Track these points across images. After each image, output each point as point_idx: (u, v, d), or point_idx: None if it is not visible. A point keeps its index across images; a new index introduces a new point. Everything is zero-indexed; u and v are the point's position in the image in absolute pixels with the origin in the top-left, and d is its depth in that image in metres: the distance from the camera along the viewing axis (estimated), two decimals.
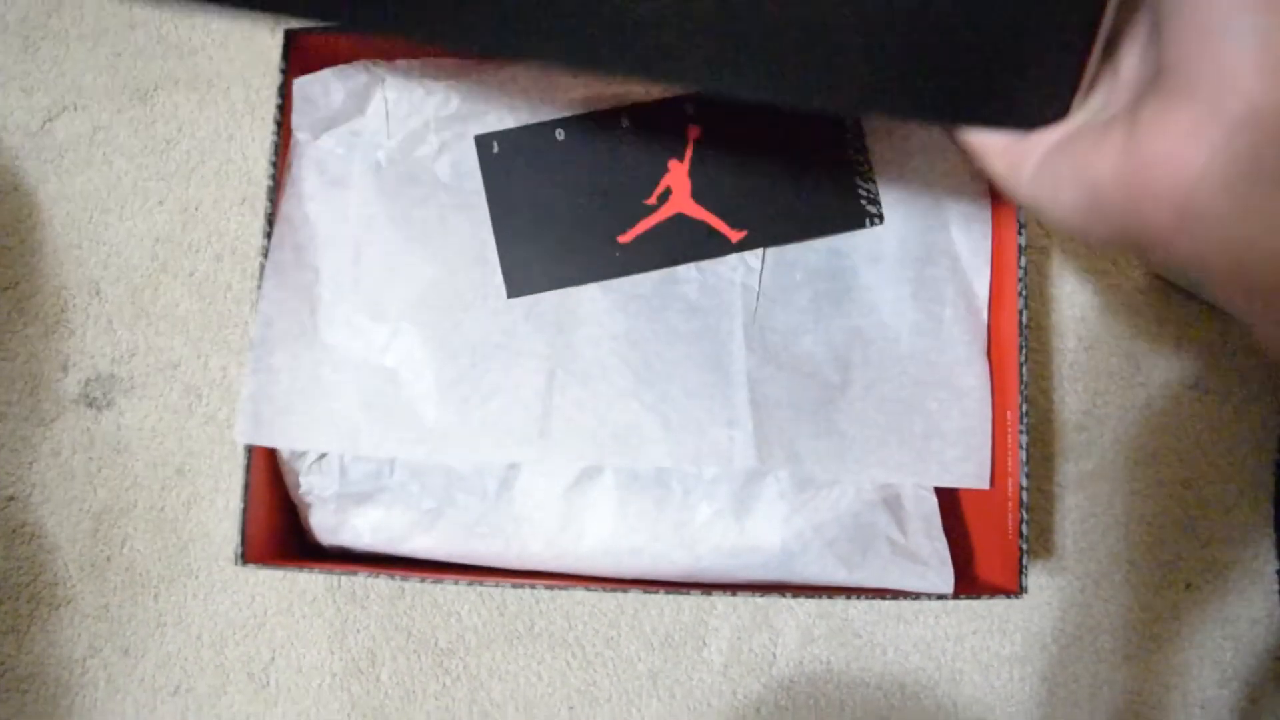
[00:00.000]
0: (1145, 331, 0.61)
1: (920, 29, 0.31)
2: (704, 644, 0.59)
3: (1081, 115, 0.32)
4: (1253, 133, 0.26)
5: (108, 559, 0.60)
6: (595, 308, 0.50)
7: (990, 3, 0.30)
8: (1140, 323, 0.61)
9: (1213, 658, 0.59)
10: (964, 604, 0.59)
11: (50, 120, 0.63)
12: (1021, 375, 0.49)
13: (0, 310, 0.61)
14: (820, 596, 0.49)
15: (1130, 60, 0.31)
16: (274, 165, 0.51)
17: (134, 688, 0.59)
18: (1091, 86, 0.33)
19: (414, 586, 0.59)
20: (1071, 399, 0.60)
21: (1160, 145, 0.28)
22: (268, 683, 0.59)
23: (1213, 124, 0.26)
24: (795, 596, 0.49)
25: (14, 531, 0.60)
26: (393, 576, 0.49)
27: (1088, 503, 0.60)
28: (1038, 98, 0.32)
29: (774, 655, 0.59)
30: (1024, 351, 0.49)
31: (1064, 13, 0.31)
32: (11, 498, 0.60)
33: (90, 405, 0.61)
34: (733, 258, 0.51)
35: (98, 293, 0.62)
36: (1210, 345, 0.61)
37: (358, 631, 0.59)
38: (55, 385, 0.61)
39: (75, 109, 0.63)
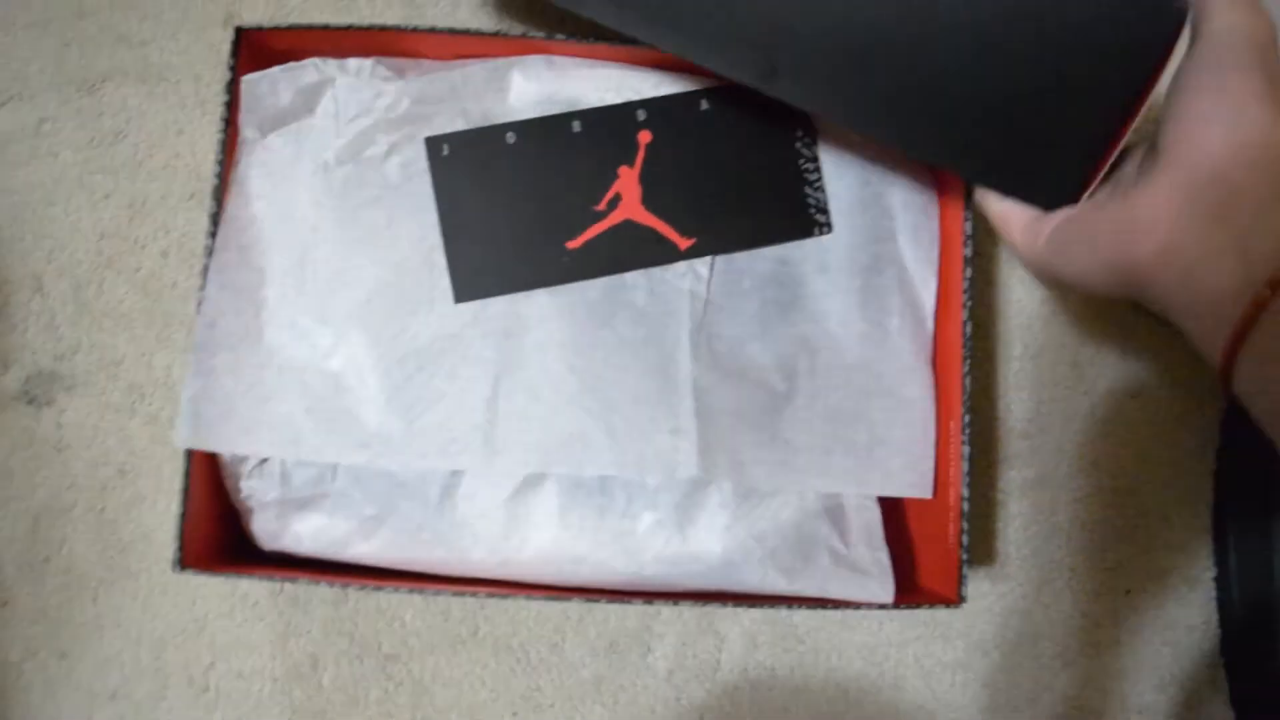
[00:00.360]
0: (1090, 340, 0.62)
1: (990, 116, 0.42)
2: (649, 650, 0.59)
3: (1086, 201, 0.41)
4: (1217, 190, 0.34)
5: (46, 560, 0.59)
6: (543, 314, 0.50)
7: (1039, 114, 0.42)
8: (1085, 331, 0.62)
9: (1151, 663, 0.60)
10: (907, 611, 0.59)
11: None
12: (965, 386, 0.50)
13: None
14: (761, 606, 0.49)
15: (1129, 168, 0.41)
16: (220, 164, 0.51)
17: (71, 692, 0.59)
18: (1100, 183, 0.42)
19: (357, 591, 0.59)
20: (1016, 406, 0.61)
21: (1147, 202, 0.36)
22: (208, 687, 0.59)
23: (1184, 185, 0.35)
24: (736, 606, 0.49)
25: None
26: (333, 583, 0.48)
27: (1030, 509, 0.60)
28: (1059, 186, 0.43)
29: (718, 662, 0.59)
30: (968, 363, 0.50)
31: (1090, 134, 0.41)
32: None
33: (30, 403, 0.60)
34: (681, 265, 0.52)
35: (40, 288, 0.61)
36: (1153, 355, 0.62)
37: (300, 636, 0.59)
38: None
39: (20, 99, 0.62)
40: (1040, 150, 0.43)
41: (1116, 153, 0.42)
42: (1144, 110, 0.41)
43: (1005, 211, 0.44)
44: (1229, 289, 0.34)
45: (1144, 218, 0.36)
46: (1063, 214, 0.41)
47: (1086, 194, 0.42)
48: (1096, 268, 0.38)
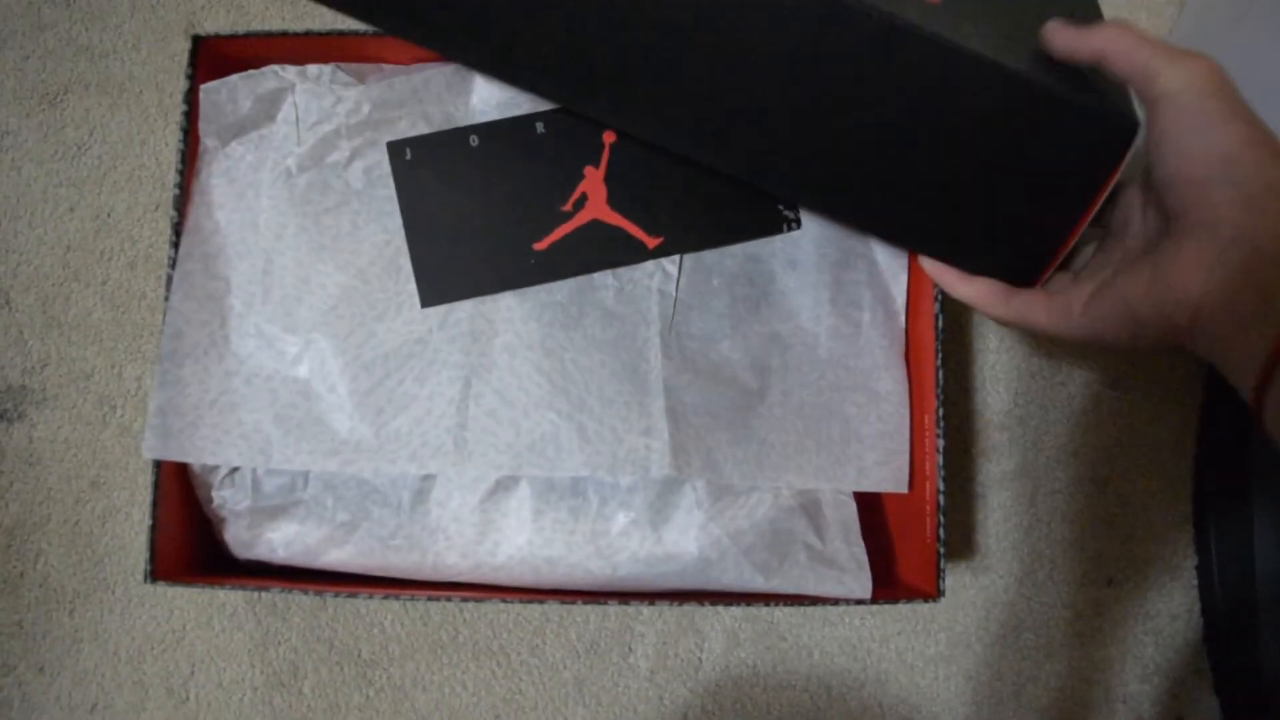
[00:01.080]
0: None
1: (959, 210, 0.44)
2: (629, 650, 0.59)
3: (1101, 272, 0.43)
4: (1239, 251, 0.35)
5: (21, 574, 0.59)
6: (511, 316, 0.50)
7: (1004, 208, 0.44)
8: None
9: (1134, 653, 0.60)
10: (889, 605, 0.59)
11: None
12: (938, 379, 0.49)
13: None
14: (738, 604, 0.49)
15: (1133, 228, 0.43)
16: (180, 174, 0.50)
17: (50, 705, 0.58)
18: (1092, 254, 0.45)
19: (335, 598, 0.58)
20: (993, 399, 0.61)
21: (1176, 271, 0.37)
22: (188, 698, 0.58)
23: (1213, 246, 0.36)
24: (714, 604, 0.49)
25: None
26: (307, 591, 0.48)
27: (1010, 502, 0.60)
28: (1022, 269, 0.45)
29: (700, 660, 0.59)
30: (939, 356, 0.49)
31: (1052, 226, 0.43)
32: None
33: (1, 418, 0.59)
34: (650, 264, 0.51)
35: (7, 302, 0.60)
36: None
37: (279, 644, 0.58)
38: None
39: None
40: (1005, 239, 0.45)
41: (1075, 239, 0.44)
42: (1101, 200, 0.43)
43: (975, 291, 0.46)
44: (1256, 343, 0.35)
45: (1177, 289, 0.37)
46: (1087, 291, 0.42)
47: (1046, 275, 0.45)
48: (1136, 332, 0.40)
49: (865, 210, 0.45)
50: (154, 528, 0.48)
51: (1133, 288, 0.39)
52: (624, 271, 0.51)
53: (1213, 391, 0.61)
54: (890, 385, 0.52)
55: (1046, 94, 0.40)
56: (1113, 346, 0.42)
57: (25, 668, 0.58)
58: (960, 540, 0.60)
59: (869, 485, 0.51)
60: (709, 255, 0.52)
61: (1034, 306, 0.43)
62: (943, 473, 0.49)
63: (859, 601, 0.49)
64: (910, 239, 0.47)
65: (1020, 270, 0.45)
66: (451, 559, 0.49)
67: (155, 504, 0.48)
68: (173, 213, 0.50)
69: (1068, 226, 0.43)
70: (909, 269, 0.53)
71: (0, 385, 0.60)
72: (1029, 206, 0.43)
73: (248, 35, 0.51)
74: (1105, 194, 0.42)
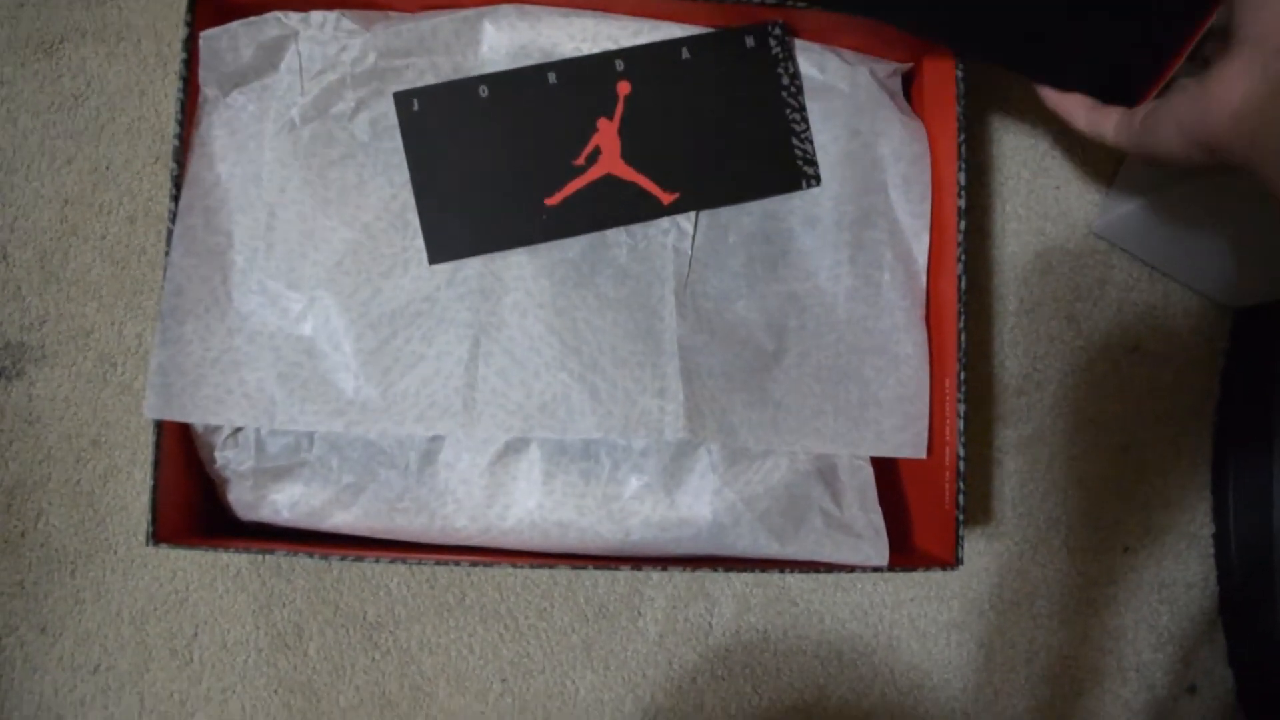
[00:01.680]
0: (1086, 295, 0.60)
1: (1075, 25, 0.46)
2: (639, 614, 0.58)
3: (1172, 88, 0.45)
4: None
5: (22, 534, 0.58)
6: (522, 273, 0.48)
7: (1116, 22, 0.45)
8: (1082, 286, 0.60)
9: (1148, 621, 0.59)
10: (902, 572, 0.58)
11: None
12: (960, 343, 0.48)
13: None
14: (753, 570, 0.48)
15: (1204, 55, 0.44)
16: (180, 124, 0.48)
17: (52, 666, 0.58)
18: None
19: (342, 560, 0.57)
20: (1011, 363, 0.60)
21: (1222, 77, 0.40)
22: (191, 659, 0.58)
23: (1259, 57, 0.39)
24: (727, 571, 0.48)
25: None
26: (312, 554, 0.47)
27: (1026, 467, 0.59)
28: (1131, 87, 0.46)
29: (710, 625, 0.58)
30: (963, 319, 0.48)
31: (1163, 39, 0.45)
32: None
33: (0, 375, 0.58)
34: (665, 220, 0.50)
35: (4, 257, 0.59)
36: (1151, 309, 0.60)
37: (283, 605, 0.58)
38: None
39: None
40: (1116, 58, 0.46)
41: (1184, 56, 0.45)
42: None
43: (1067, 102, 0.48)
44: None
45: (1217, 93, 0.40)
46: (1148, 105, 0.45)
47: (1154, 92, 0.46)
48: (1181, 143, 0.42)
49: (992, 34, 0.47)
50: (155, 489, 0.47)
51: (1181, 100, 0.42)
52: (638, 228, 0.50)
53: (1234, 358, 0.60)
54: (910, 348, 0.51)
55: None
56: (1165, 159, 0.44)
57: (27, 628, 0.58)
58: (975, 505, 0.59)
59: (887, 450, 0.50)
60: (725, 212, 0.50)
61: (1106, 120, 0.47)
62: (963, 439, 0.48)
63: (875, 569, 0.48)
64: (1028, 61, 0.48)
65: (1123, 91, 0.47)
66: (460, 522, 0.48)
67: (157, 465, 0.47)
68: (172, 165, 0.48)
69: (1171, 51, 0.45)
70: (930, 227, 0.51)
71: None
72: (1141, 31, 0.45)
73: None
74: (1207, 23, 0.44)
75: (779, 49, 0.50)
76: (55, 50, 0.60)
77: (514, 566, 0.48)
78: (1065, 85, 0.48)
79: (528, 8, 0.50)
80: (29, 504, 0.58)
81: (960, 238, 0.49)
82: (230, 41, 0.49)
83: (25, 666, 0.57)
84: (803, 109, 0.50)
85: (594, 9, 0.51)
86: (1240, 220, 0.53)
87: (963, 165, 0.49)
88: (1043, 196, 0.61)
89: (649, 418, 0.47)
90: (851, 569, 0.49)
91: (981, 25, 0.47)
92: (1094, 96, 0.48)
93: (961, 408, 0.48)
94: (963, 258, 0.48)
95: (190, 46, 0.49)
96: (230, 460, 0.49)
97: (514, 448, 0.48)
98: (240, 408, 0.47)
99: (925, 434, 0.50)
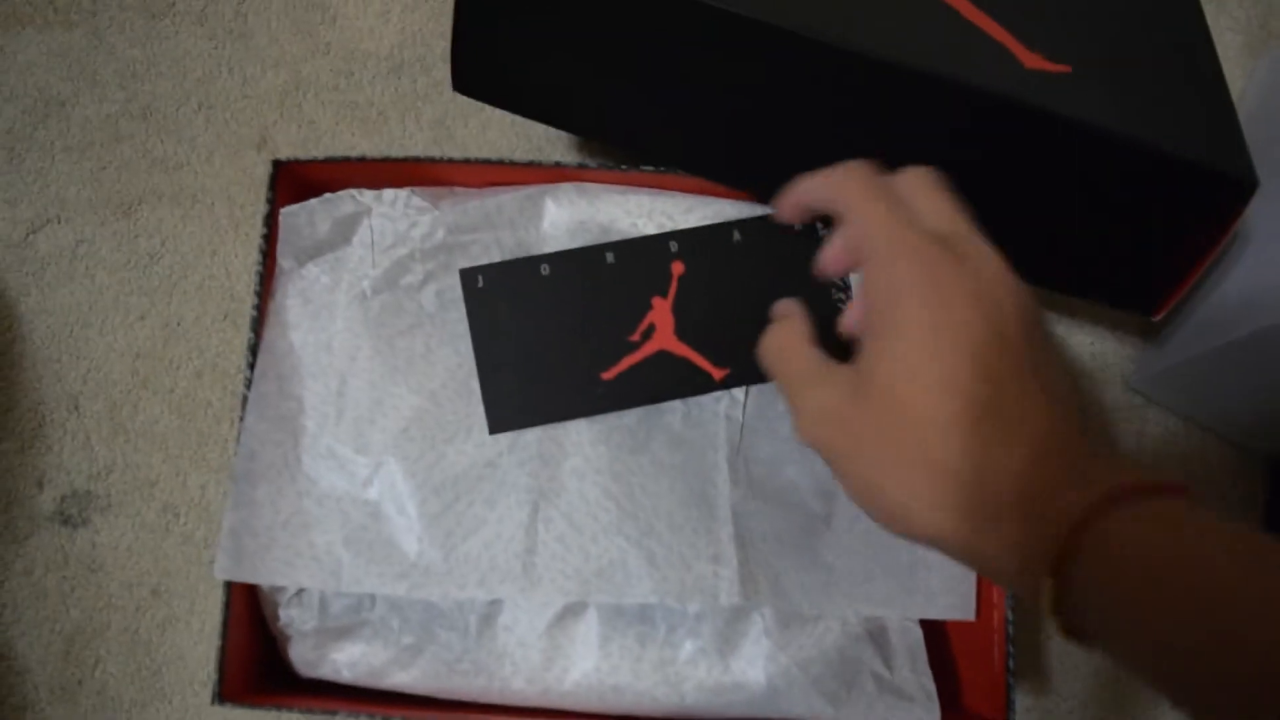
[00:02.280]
0: (1124, 449, 0.61)
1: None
2: None
3: None
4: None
5: (79, 682, 0.59)
6: (579, 439, 0.50)
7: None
8: (1119, 440, 0.61)
9: None
10: None
11: (33, 232, 0.63)
12: None
13: None
14: None
15: None
16: (258, 294, 0.51)
17: None
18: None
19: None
20: None
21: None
22: None
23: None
24: None
25: None
26: (375, 716, 0.48)
27: None
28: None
29: None
30: None
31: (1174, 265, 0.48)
32: None
33: (65, 523, 0.60)
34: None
35: (76, 408, 0.61)
36: (1189, 462, 0.61)
37: None
38: (30, 502, 0.60)
39: (58, 221, 0.63)
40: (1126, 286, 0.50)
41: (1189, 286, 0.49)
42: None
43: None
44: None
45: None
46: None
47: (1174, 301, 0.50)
48: None
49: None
50: (223, 648, 0.48)
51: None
52: (691, 398, 0.51)
53: (1276, 509, 0.61)
54: None
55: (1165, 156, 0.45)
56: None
57: None
58: (1022, 659, 0.59)
59: (936, 613, 0.51)
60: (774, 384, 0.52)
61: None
62: (1011, 602, 0.49)
63: None
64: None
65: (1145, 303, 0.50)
66: (518, 684, 0.49)
67: (225, 625, 0.48)
68: (250, 335, 0.51)
69: (1183, 275, 0.48)
70: None
71: (66, 490, 0.60)
72: (1153, 257, 0.48)
73: (327, 160, 0.52)
74: (1221, 246, 0.47)
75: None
76: (133, 211, 0.64)
77: None
78: (1083, 293, 0.51)
79: (587, 185, 0.53)
80: (87, 651, 0.59)
81: None
82: (308, 218, 0.52)
83: None
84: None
85: (649, 186, 0.54)
86: None
87: None
88: (1079, 352, 0.63)
89: (704, 583, 0.48)
90: None
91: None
92: (1111, 304, 0.51)
93: None
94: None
95: (270, 221, 0.52)
96: (294, 619, 0.50)
97: (572, 611, 0.49)
98: (309, 570, 0.48)
99: (973, 596, 0.51)
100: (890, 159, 0.41)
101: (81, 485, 0.61)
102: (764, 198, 0.53)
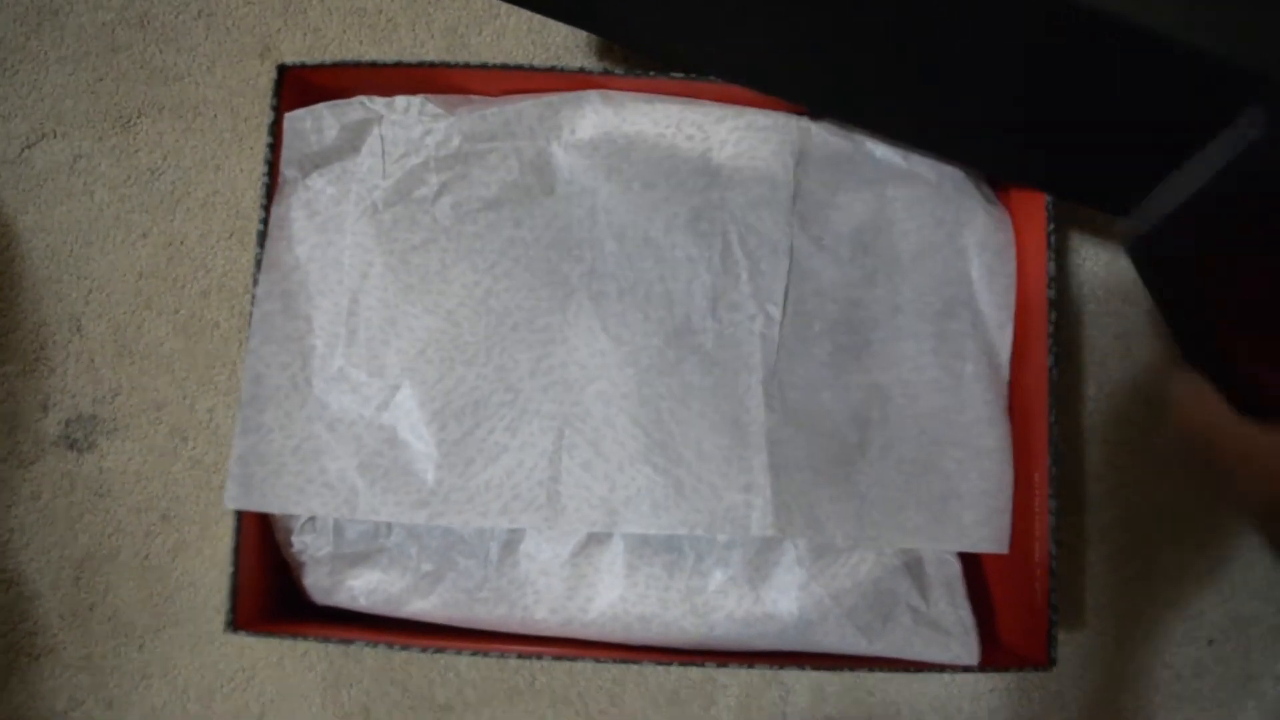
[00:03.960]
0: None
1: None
2: (712, 702, 0.57)
3: None
4: None
5: (90, 607, 0.57)
6: (605, 361, 0.48)
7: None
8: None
9: (1236, 718, 0.57)
10: None
11: (28, 147, 0.60)
12: (1051, 435, 0.47)
13: None
14: (839, 668, 0.47)
15: None
16: (265, 209, 0.49)
17: None
18: None
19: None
20: (1091, 448, 0.58)
21: None
22: None
23: None
24: (815, 669, 0.47)
25: None
26: (391, 645, 0.46)
27: (1108, 556, 0.58)
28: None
29: (784, 714, 0.57)
30: (1054, 412, 0.47)
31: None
32: None
33: (71, 447, 0.58)
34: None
35: (79, 329, 0.59)
36: None
37: (351, 686, 0.57)
38: (35, 426, 0.58)
39: (55, 136, 0.60)
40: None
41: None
42: None
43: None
44: None
45: None
46: None
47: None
48: None
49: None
50: (235, 575, 0.47)
51: None
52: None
53: None
54: (993, 441, 0.50)
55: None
56: None
57: (94, 703, 0.57)
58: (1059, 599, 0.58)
59: (968, 545, 0.49)
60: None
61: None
62: (1055, 535, 0.47)
63: (965, 668, 0.47)
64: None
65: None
66: (540, 614, 0.48)
67: (237, 552, 0.47)
68: (257, 250, 0.48)
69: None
70: (1014, 318, 0.51)
71: (71, 414, 0.58)
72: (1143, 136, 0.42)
73: (336, 64, 0.49)
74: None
75: None
76: (133, 124, 0.61)
77: (597, 661, 0.47)
78: (1063, 193, 0.48)
79: (612, 93, 0.50)
80: (98, 577, 0.58)
81: (1051, 328, 0.48)
82: (315, 123, 0.49)
83: None
84: None
85: (678, 95, 0.51)
86: None
87: (1052, 255, 0.48)
88: (1122, 278, 0.60)
89: (735, 513, 0.46)
90: (940, 668, 0.47)
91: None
92: (1092, 206, 0.48)
93: (1053, 503, 0.47)
94: (1054, 349, 0.48)
95: (275, 130, 0.49)
96: (308, 545, 0.49)
97: (597, 539, 0.48)
98: (321, 497, 0.46)
99: (1008, 529, 0.49)
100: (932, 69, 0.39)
101: (87, 409, 0.59)
102: (805, 105, 0.50)
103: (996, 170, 0.51)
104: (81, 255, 0.60)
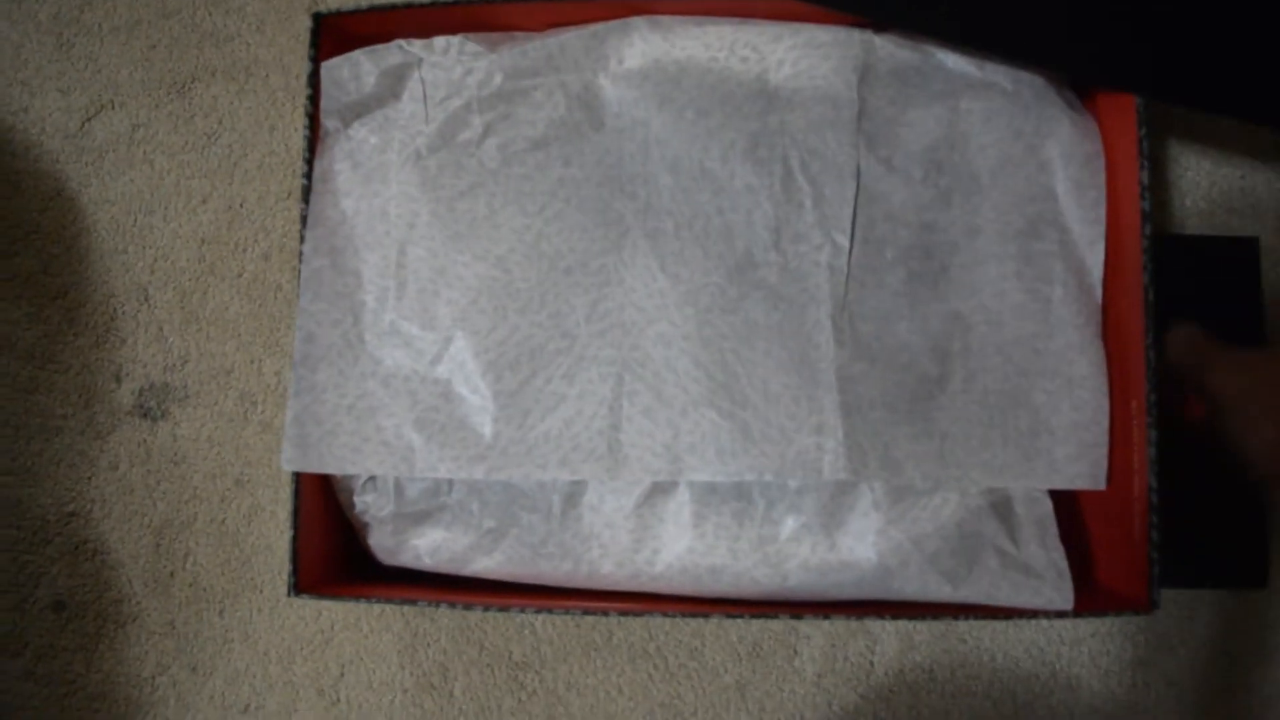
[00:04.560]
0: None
1: None
2: (795, 653, 0.55)
3: None
4: None
5: (171, 574, 0.58)
6: (664, 301, 0.46)
7: None
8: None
9: None
10: None
11: (89, 120, 0.60)
12: (1148, 360, 0.43)
13: (50, 320, 0.59)
14: (922, 617, 0.44)
15: None
16: (307, 162, 0.47)
17: (204, 705, 0.58)
18: None
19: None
20: None
21: None
22: (338, 699, 0.57)
23: None
24: (895, 618, 0.44)
25: (76, 548, 0.58)
26: (455, 605, 0.45)
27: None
28: None
29: (871, 664, 0.54)
30: (1150, 334, 0.43)
31: None
32: (72, 514, 0.58)
33: (145, 416, 0.59)
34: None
35: (146, 299, 0.59)
36: None
37: (428, 645, 0.56)
38: (109, 396, 0.59)
39: (113, 106, 0.60)
40: None
41: None
42: None
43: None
44: None
45: None
46: None
47: None
48: None
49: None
50: (295, 539, 0.46)
51: None
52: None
53: None
54: (1085, 369, 0.46)
55: None
56: None
57: (179, 667, 0.58)
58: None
59: (1061, 482, 0.45)
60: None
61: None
62: (1155, 468, 0.43)
63: (1059, 614, 0.44)
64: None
65: None
66: (606, 568, 0.46)
67: (296, 515, 0.46)
68: (301, 205, 0.47)
69: None
70: (1105, 234, 0.47)
71: (144, 383, 0.59)
72: None
73: (372, 9, 0.48)
74: None
75: None
76: (187, 90, 0.60)
77: (665, 615, 0.45)
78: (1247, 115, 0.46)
79: (660, 19, 0.48)
80: (177, 544, 0.58)
81: (1146, 243, 0.44)
82: (352, 70, 0.48)
83: (178, 705, 0.58)
84: None
85: (729, 15, 0.48)
86: None
87: (1145, 164, 0.44)
88: (1226, 188, 0.55)
89: (806, 457, 0.43)
90: (1033, 614, 0.44)
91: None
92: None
93: (1153, 433, 0.43)
94: (1149, 266, 0.44)
95: (315, 81, 0.48)
96: (369, 506, 0.48)
97: (661, 489, 0.46)
98: (378, 456, 0.45)
99: (1104, 464, 0.45)
100: None
101: (158, 377, 0.59)
102: (867, 16, 0.47)
103: (1089, 73, 0.47)
104: (145, 224, 0.60)
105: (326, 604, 0.57)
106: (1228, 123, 0.54)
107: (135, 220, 0.60)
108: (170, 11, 0.61)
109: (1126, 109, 0.45)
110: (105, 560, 0.58)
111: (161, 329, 0.59)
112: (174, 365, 0.59)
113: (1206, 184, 0.55)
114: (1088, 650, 0.54)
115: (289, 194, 0.59)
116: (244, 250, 0.59)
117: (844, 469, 0.43)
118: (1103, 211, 0.46)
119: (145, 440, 0.59)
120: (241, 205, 0.59)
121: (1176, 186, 0.55)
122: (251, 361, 0.58)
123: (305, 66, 0.47)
